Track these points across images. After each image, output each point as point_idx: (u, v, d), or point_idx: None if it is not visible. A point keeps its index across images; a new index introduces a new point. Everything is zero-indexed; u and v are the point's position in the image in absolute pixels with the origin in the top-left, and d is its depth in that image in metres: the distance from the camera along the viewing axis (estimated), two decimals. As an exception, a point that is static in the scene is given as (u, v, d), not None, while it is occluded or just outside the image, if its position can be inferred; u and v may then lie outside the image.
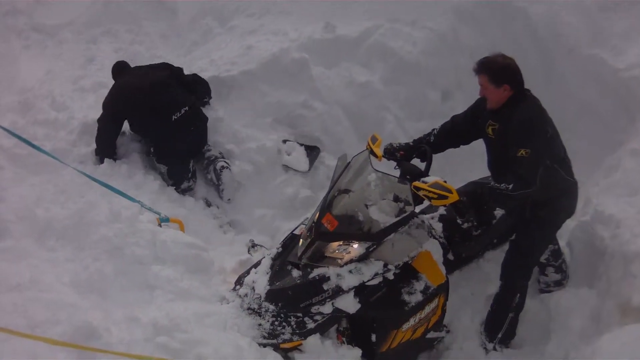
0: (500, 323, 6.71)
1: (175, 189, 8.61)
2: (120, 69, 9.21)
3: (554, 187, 6.28)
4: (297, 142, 9.24)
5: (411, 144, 6.94)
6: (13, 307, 5.57)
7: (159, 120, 8.56)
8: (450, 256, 6.87)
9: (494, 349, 6.75)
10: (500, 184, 5.98)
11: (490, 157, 6.67)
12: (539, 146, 6.01)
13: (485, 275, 7.23)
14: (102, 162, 8.49)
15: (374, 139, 6.56)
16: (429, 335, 6.50)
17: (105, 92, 9.12)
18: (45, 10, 12.35)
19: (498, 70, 6.15)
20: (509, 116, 6.14)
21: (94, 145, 8.61)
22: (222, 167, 8.70)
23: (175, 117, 8.57)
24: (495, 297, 6.80)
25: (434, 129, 7.00)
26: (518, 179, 5.92)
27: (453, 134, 6.91)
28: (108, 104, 8.69)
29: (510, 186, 5.89)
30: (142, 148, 8.95)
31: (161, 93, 8.67)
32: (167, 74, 9.00)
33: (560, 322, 6.73)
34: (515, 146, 5.94)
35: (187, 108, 8.66)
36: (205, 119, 9.03)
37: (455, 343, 6.91)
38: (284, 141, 8.93)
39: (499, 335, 6.70)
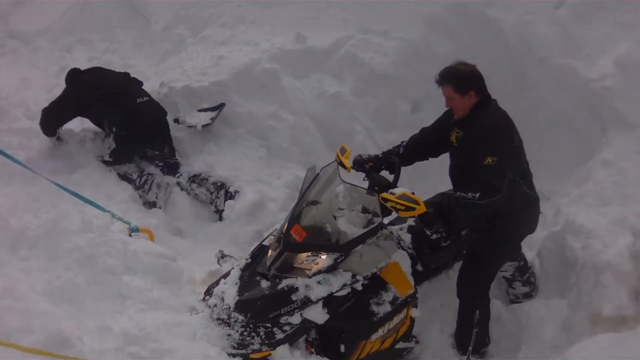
0: (468, 339, 6.65)
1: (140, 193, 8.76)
2: (75, 73, 9.26)
3: (515, 199, 6.22)
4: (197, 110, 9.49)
5: (380, 155, 6.88)
6: (-13, 315, 5.61)
7: (126, 99, 8.86)
8: (419, 267, 6.88)
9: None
10: (466, 193, 5.92)
11: (453, 166, 6.61)
12: (505, 154, 5.96)
13: (454, 286, 7.23)
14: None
15: (343, 151, 6.54)
16: (397, 346, 6.49)
17: None
18: (20, 16, 12.36)
19: (462, 78, 6.12)
20: (472, 123, 6.14)
21: (64, 150, 8.79)
22: (236, 191, 8.81)
23: (140, 101, 8.90)
24: (458, 313, 6.78)
25: (402, 142, 6.98)
26: (485, 187, 5.87)
27: (422, 145, 6.85)
28: (76, 90, 8.91)
29: (477, 194, 5.84)
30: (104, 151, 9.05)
31: (129, 79, 9.26)
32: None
33: (531, 333, 6.75)
34: (482, 154, 5.89)
35: (148, 98, 9.02)
36: (165, 112, 9.26)
37: (425, 354, 6.89)
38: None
39: (470, 348, 6.65)
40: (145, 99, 9.01)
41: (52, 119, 8.79)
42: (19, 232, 7.03)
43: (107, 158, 8.90)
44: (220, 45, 10.79)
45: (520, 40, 9.81)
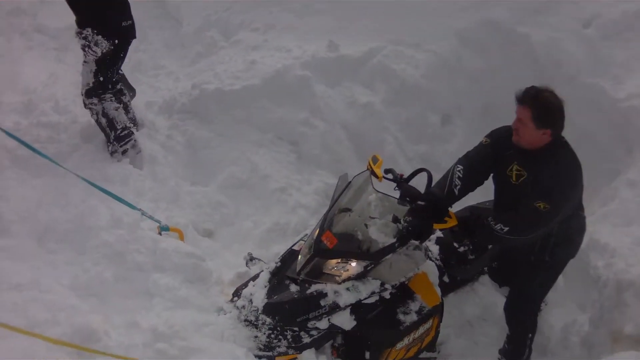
0: (521, 353, 6.62)
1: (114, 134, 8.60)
2: None
3: (576, 226, 6.14)
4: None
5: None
6: (13, 306, 5.67)
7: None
8: (446, 279, 6.86)
9: None
10: (496, 222, 5.66)
11: (501, 199, 6.17)
12: (561, 206, 5.58)
13: (479, 299, 7.27)
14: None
15: (374, 160, 6.47)
16: (421, 356, 6.54)
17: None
18: (49, 13, 12.33)
19: (547, 110, 5.50)
20: (543, 166, 5.61)
21: (95, 148, 8.71)
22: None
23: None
24: (509, 336, 6.69)
25: (453, 182, 6.10)
26: (519, 225, 5.63)
27: (478, 180, 6.21)
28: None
29: (506, 229, 5.60)
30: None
31: None
32: None
33: (551, 349, 6.80)
34: (537, 196, 5.48)
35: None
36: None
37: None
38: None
39: (523, 358, 6.64)
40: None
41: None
42: (46, 226, 7.05)
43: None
44: (253, 50, 10.79)
45: (549, 58, 9.78)
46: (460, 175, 5.98)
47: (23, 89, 9.13)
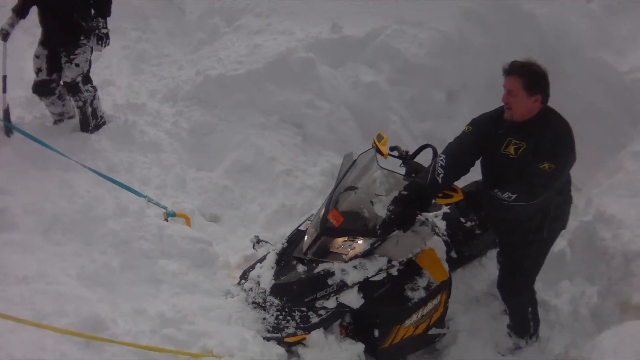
0: (526, 329, 6.60)
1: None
2: None
3: (567, 199, 6.11)
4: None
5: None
6: (20, 299, 5.61)
7: None
8: (453, 254, 6.82)
9: (527, 343, 6.67)
10: (502, 192, 5.61)
11: (502, 177, 5.85)
12: (565, 164, 5.62)
13: (487, 274, 7.24)
14: None
15: (379, 137, 6.54)
16: (430, 332, 6.49)
17: (112, 89, 9.49)
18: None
19: (536, 76, 5.56)
20: (542, 131, 5.61)
21: (99, 138, 8.72)
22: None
23: None
24: (509, 313, 6.68)
25: (437, 171, 5.90)
26: (526, 189, 5.58)
27: (461, 173, 6.06)
28: None
29: (514, 195, 5.55)
30: None
31: None
32: None
33: (560, 321, 6.77)
34: (541, 158, 5.47)
35: None
36: None
37: (457, 340, 6.87)
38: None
39: (530, 332, 6.63)
40: None
41: None
42: (53, 218, 7.00)
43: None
44: (255, 35, 10.80)
45: (554, 34, 9.78)
46: (443, 164, 5.86)
47: (27, 84, 9.09)
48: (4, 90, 8.32)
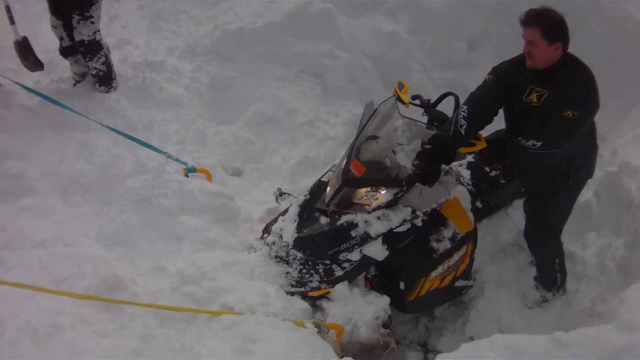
0: (553, 281, 6.57)
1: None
2: None
3: (592, 146, 5.98)
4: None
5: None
6: (38, 263, 5.65)
7: None
8: (479, 204, 6.75)
9: (554, 295, 6.64)
10: (527, 139, 5.54)
11: (526, 126, 5.78)
12: (588, 111, 5.51)
13: (513, 224, 7.16)
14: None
15: (401, 86, 6.35)
16: (457, 284, 6.43)
17: (130, 48, 9.38)
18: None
19: (555, 24, 5.43)
20: (564, 78, 5.50)
21: (117, 97, 8.68)
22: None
23: None
24: (535, 264, 6.66)
25: (460, 122, 5.78)
26: (551, 137, 5.49)
27: (485, 122, 5.94)
28: None
29: (539, 143, 5.48)
30: None
31: None
32: None
33: (587, 274, 6.67)
34: (564, 105, 5.37)
35: None
36: None
37: (484, 292, 6.81)
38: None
39: (557, 284, 6.59)
40: None
41: None
42: (70, 180, 6.97)
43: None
44: (273, -13, 10.66)
45: (572, -17, 9.62)
46: (465, 115, 5.73)
47: (43, 48, 9.03)
48: (12, 22, 8.23)
